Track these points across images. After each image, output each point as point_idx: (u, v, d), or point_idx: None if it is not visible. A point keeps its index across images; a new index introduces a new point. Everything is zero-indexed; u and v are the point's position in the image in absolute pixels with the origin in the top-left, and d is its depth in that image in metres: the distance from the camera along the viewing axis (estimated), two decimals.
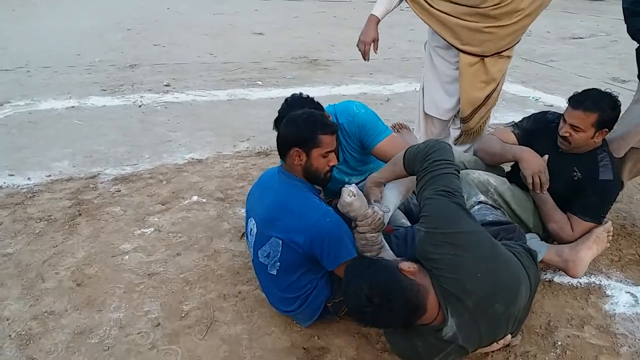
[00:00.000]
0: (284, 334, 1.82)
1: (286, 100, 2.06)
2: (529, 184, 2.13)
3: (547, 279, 2.16)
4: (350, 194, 1.69)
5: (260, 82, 5.13)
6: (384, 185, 1.89)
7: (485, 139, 2.48)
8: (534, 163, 2.12)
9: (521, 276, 1.58)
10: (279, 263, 1.74)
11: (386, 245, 1.77)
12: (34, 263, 2.15)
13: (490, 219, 1.97)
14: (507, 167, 2.47)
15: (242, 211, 2.58)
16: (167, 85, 4.85)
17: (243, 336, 1.80)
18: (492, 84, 2.62)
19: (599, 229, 2.13)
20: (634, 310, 2.00)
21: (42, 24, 7.43)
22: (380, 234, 1.73)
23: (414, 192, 2.19)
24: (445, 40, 2.54)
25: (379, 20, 2.55)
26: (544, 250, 2.11)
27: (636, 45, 2.31)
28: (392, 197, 1.89)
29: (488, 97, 2.64)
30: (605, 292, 2.10)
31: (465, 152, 2.66)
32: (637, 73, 2.35)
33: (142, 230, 2.43)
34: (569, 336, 1.85)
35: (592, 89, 2.09)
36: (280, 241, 1.71)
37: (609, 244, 2.19)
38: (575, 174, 2.14)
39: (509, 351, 1.75)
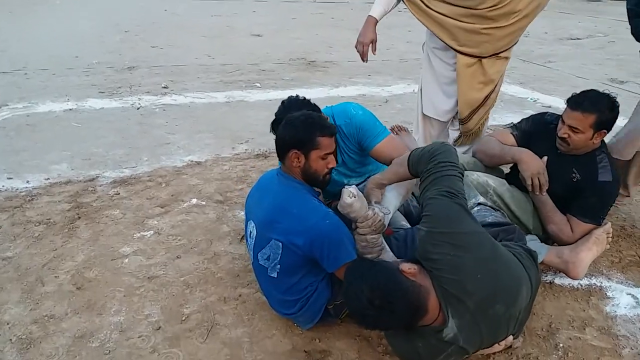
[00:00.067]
0: (285, 337, 1.81)
1: (283, 102, 2.06)
2: (528, 185, 2.14)
3: (548, 281, 2.16)
4: (351, 195, 1.68)
5: (258, 84, 5.13)
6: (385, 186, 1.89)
7: (484, 140, 2.48)
8: (533, 164, 2.12)
9: (522, 277, 1.58)
10: (279, 265, 1.73)
11: (386, 246, 1.77)
12: (33, 267, 2.15)
13: (489, 220, 1.97)
14: (506, 169, 2.47)
15: (242, 214, 2.57)
16: (165, 88, 4.84)
17: (244, 339, 1.80)
18: (490, 85, 2.62)
19: (598, 230, 2.14)
20: (635, 312, 2.00)
21: (40, 26, 7.41)
22: (380, 235, 1.73)
23: (413, 194, 2.21)
24: (442, 41, 2.54)
25: (377, 22, 2.55)
26: (544, 252, 2.11)
27: (638, 46, 2.31)
28: (392, 198, 1.89)
29: (486, 98, 2.65)
30: (606, 293, 2.10)
31: (464, 153, 2.67)
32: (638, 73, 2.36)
33: (141, 233, 2.42)
34: (570, 338, 1.85)
35: (590, 90, 2.09)
36: (280, 244, 1.70)
37: (608, 245, 2.20)
38: (574, 175, 2.14)
39: (511, 353, 1.75)
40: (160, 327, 1.83)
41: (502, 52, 2.54)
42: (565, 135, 2.07)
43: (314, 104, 2.04)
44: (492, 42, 2.48)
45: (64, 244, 2.32)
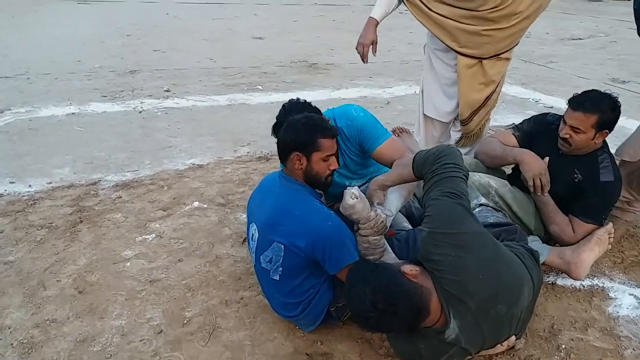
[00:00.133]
0: (286, 340, 1.81)
1: (284, 106, 2.06)
2: (530, 186, 2.13)
3: (550, 282, 2.15)
4: (353, 197, 1.68)
5: (260, 87, 5.14)
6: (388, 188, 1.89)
7: (485, 141, 2.48)
8: (534, 165, 2.12)
9: (524, 277, 1.58)
10: (281, 268, 1.73)
11: (389, 248, 1.77)
12: (35, 271, 2.15)
13: (491, 221, 1.97)
14: (508, 170, 2.47)
15: (244, 216, 2.57)
16: (167, 91, 4.86)
17: (245, 342, 1.80)
18: (490, 86, 2.62)
19: (600, 231, 2.13)
20: (637, 313, 1.99)
21: (43, 31, 7.44)
22: (382, 236, 1.73)
23: (415, 195, 2.20)
24: (443, 42, 2.54)
25: (378, 23, 2.56)
26: (545, 253, 2.11)
27: (639, 46, 2.30)
28: (394, 200, 1.89)
29: (487, 99, 2.64)
30: (608, 294, 2.10)
31: (465, 154, 2.66)
32: None
33: (143, 236, 2.43)
34: (572, 339, 1.84)
35: (592, 90, 2.09)
36: (283, 246, 1.70)
37: (610, 246, 2.19)
38: (576, 175, 2.14)
39: (513, 355, 1.74)
40: (161, 331, 1.84)
41: (502, 53, 2.54)
42: (567, 136, 2.07)
43: (315, 107, 2.04)
44: (493, 44, 2.48)
45: (66, 247, 2.32)
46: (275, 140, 1.86)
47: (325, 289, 1.78)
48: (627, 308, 2.01)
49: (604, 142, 2.15)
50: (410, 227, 2.07)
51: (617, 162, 2.20)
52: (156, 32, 7.88)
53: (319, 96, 4.79)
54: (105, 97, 4.60)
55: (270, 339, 1.82)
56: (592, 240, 2.11)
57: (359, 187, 2.00)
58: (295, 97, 2.10)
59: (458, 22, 2.45)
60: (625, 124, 4.04)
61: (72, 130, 3.79)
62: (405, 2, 2.54)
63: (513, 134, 2.33)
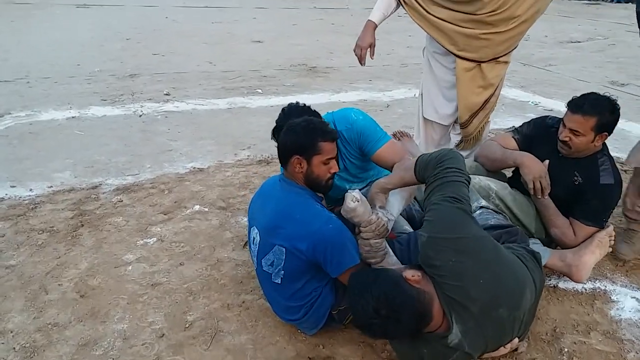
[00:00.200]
0: (288, 344, 1.81)
1: (283, 109, 2.07)
2: (530, 189, 2.14)
3: (552, 285, 2.15)
4: (354, 200, 1.68)
5: (260, 90, 5.15)
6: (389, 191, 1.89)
7: (485, 144, 2.48)
8: (534, 168, 2.12)
9: (526, 279, 1.58)
10: (283, 271, 1.73)
11: (390, 251, 1.77)
12: (37, 275, 2.15)
13: (492, 223, 1.97)
14: (508, 173, 2.47)
15: (245, 220, 2.58)
16: (167, 95, 4.86)
17: (247, 346, 1.80)
18: (489, 89, 2.63)
19: (601, 233, 2.13)
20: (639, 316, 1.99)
21: (42, 34, 7.45)
22: (384, 240, 1.73)
23: (416, 198, 2.21)
24: (442, 46, 2.55)
25: (376, 26, 2.58)
26: (547, 256, 2.11)
27: (637, 49, 2.31)
28: (395, 202, 1.89)
29: (486, 102, 2.66)
30: (610, 297, 2.10)
31: (465, 158, 2.67)
32: None
33: (144, 240, 2.43)
34: (575, 342, 1.84)
35: (591, 93, 2.09)
36: (284, 249, 1.71)
37: (611, 248, 2.19)
38: (576, 178, 2.14)
39: (516, 358, 1.74)
40: (163, 335, 1.83)
41: (501, 56, 2.55)
42: (567, 139, 2.08)
43: (314, 110, 2.05)
44: (492, 47, 2.49)
45: (67, 251, 2.32)
46: (276, 144, 1.86)
47: (327, 292, 1.78)
48: (630, 311, 2.01)
49: (604, 144, 2.15)
50: (412, 229, 2.07)
51: (621, 169, 2.17)
52: (156, 35, 7.90)
53: (319, 99, 4.80)
54: (105, 101, 4.61)
55: (272, 342, 1.82)
56: (593, 243, 2.11)
57: (360, 190, 2.00)
58: (294, 101, 2.10)
59: (457, 25, 2.46)
60: (625, 127, 4.06)
61: (72, 134, 3.79)
62: (404, 6, 2.55)
63: (513, 137, 2.34)
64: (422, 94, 2.86)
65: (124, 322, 1.89)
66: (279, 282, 1.76)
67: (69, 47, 6.76)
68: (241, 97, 4.91)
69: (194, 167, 3.28)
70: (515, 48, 2.60)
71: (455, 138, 2.91)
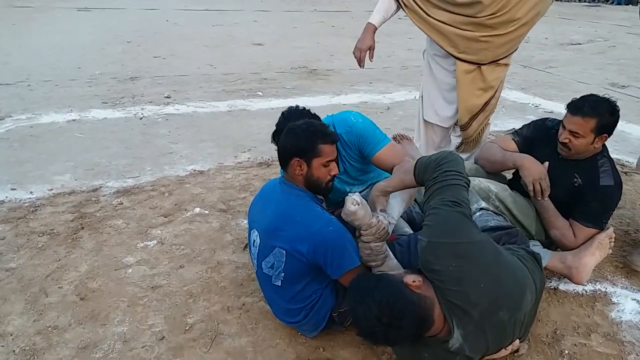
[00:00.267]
0: (289, 346, 1.81)
1: (283, 113, 2.07)
2: (530, 191, 2.14)
3: (552, 287, 2.15)
4: (354, 203, 1.68)
5: (260, 93, 5.15)
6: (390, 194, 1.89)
7: (485, 147, 2.48)
8: (534, 170, 2.12)
9: (526, 280, 1.57)
10: (283, 273, 1.73)
11: (390, 254, 1.76)
12: (37, 277, 2.15)
13: (492, 224, 1.97)
14: (508, 175, 2.47)
15: (245, 222, 2.58)
16: (167, 97, 4.87)
17: (248, 349, 1.79)
18: (489, 91, 2.64)
19: (601, 235, 2.13)
20: None
21: (43, 38, 7.47)
22: (384, 243, 1.73)
23: (416, 200, 2.21)
24: (442, 48, 2.56)
25: (376, 29, 2.58)
26: (547, 257, 2.11)
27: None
28: (396, 205, 1.89)
29: (486, 104, 2.66)
30: (611, 299, 2.09)
31: (466, 160, 2.67)
32: None
33: (145, 243, 2.43)
34: (575, 345, 1.84)
35: (590, 94, 2.10)
36: (284, 251, 1.71)
37: (611, 250, 2.19)
38: (575, 180, 2.14)
39: None
40: (163, 337, 1.83)
41: (501, 59, 2.55)
42: (567, 140, 2.08)
43: (314, 114, 2.05)
44: (491, 50, 2.49)
45: (67, 254, 2.32)
46: (276, 147, 1.86)
47: (327, 294, 1.78)
48: (630, 313, 2.01)
49: (604, 146, 2.15)
50: (412, 231, 2.07)
51: (621, 171, 2.18)
52: (156, 38, 7.91)
53: (319, 102, 4.80)
54: (105, 104, 4.61)
55: (272, 345, 1.82)
56: (593, 245, 2.11)
57: (360, 193, 2.00)
58: (294, 105, 2.11)
59: (457, 28, 2.47)
60: (625, 129, 4.07)
61: (72, 137, 3.80)
62: (405, 9, 2.56)
63: (513, 139, 2.34)
64: (422, 97, 2.86)
65: (124, 324, 1.89)
66: (279, 285, 1.76)
67: (69, 50, 6.78)
68: (242, 99, 4.92)
69: (195, 170, 3.28)
70: (515, 50, 2.60)
71: (455, 140, 2.91)
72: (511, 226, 2.03)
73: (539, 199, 2.14)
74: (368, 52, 2.56)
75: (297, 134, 1.75)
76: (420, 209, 2.22)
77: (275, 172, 3.21)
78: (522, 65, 6.63)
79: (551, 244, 2.24)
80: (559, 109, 4.61)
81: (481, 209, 2.07)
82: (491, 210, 2.09)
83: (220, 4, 12.29)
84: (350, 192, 1.86)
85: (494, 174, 2.39)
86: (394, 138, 2.48)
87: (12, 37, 7.52)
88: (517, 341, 1.63)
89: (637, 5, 15.68)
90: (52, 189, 2.96)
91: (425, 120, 2.85)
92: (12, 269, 2.21)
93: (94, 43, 7.31)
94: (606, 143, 2.14)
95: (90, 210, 2.73)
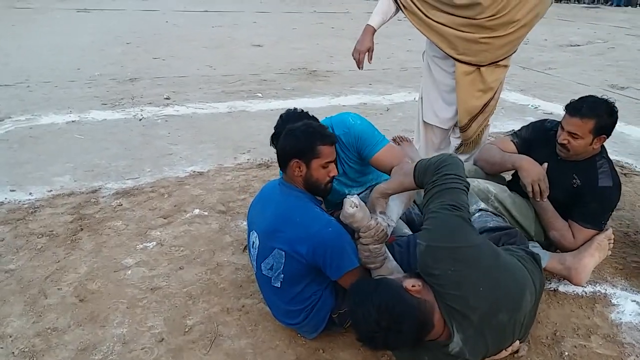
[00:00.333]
0: (288, 348, 1.81)
1: (281, 116, 2.08)
2: (529, 192, 2.14)
3: (552, 288, 2.15)
4: (353, 205, 1.68)
5: (260, 94, 5.15)
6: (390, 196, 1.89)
7: (485, 148, 2.48)
8: (533, 171, 2.12)
9: (525, 281, 1.57)
10: (282, 275, 1.73)
11: (390, 256, 1.76)
12: (36, 279, 2.15)
13: (491, 225, 1.97)
14: (507, 176, 2.47)
15: (244, 224, 2.57)
16: (167, 99, 4.87)
17: (247, 350, 1.79)
18: (489, 93, 2.64)
19: (600, 236, 2.13)
20: None
21: (42, 39, 7.47)
22: (383, 245, 1.73)
23: (415, 201, 2.21)
24: (441, 50, 2.56)
25: (375, 31, 2.59)
26: (546, 259, 2.11)
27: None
28: (395, 207, 1.89)
29: (485, 105, 2.66)
30: (610, 300, 2.09)
31: (465, 161, 2.67)
32: None
33: (144, 244, 2.42)
34: (575, 346, 1.83)
35: (589, 96, 2.10)
36: (284, 252, 1.71)
37: (610, 251, 2.19)
38: (574, 181, 2.14)
39: None
40: (163, 339, 1.83)
41: (500, 60, 2.56)
42: (565, 142, 2.08)
43: (312, 116, 2.05)
44: (491, 51, 2.50)
45: (66, 256, 2.32)
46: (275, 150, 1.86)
47: (327, 295, 1.78)
48: (630, 315, 2.01)
49: (603, 147, 2.15)
50: (411, 233, 2.07)
51: (620, 172, 2.19)
52: (156, 39, 7.92)
53: (319, 103, 4.81)
54: (105, 105, 4.61)
55: (272, 347, 1.81)
56: (593, 246, 2.11)
57: (359, 194, 2.00)
58: (293, 107, 2.11)
59: (456, 29, 2.47)
60: (624, 130, 4.07)
61: (72, 138, 3.79)
62: (404, 10, 2.56)
63: (512, 140, 2.34)
64: (421, 98, 2.86)
65: (124, 326, 1.89)
66: (279, 286, 1.76)
67: (69, 51, 6.78)
68: (241, 100, 4.92)
69: (194, 171, 3.28)
70: (514, 52, 2.60)
71: (455, 142, 2.91)
72: (510, 227, 2.03)
73: (538, 200, 2.14)
74: (367, 53, 2.56)
75: (296, 135, 1.75)
76: (420, 211, 2.22)
77: (275, 173, 3.20)
78: (521, 66, 6.64)
79: (550, 245, 2.24)
80: (558, 110, 4.59)
81: (480, 209, 2.07)
82: (490, 211, 2.09)
83: (219, 5, 12.31)
84: (349, 194, 1.87)
85: (493, 175, 2.39)
86: (394, 140, 2.48)
87: (11, 38, 7.52)
88: (517, 342, 1.63)
89: (636, 6, 15.72)
90: (51, 190, 2.96)
91: (424, 122, 2.86)
92: (11, 270, 2.20)
93: (93, 44, 7.31)
94: (605, 144, 2.14)
95: (90, 211, 2.72)
